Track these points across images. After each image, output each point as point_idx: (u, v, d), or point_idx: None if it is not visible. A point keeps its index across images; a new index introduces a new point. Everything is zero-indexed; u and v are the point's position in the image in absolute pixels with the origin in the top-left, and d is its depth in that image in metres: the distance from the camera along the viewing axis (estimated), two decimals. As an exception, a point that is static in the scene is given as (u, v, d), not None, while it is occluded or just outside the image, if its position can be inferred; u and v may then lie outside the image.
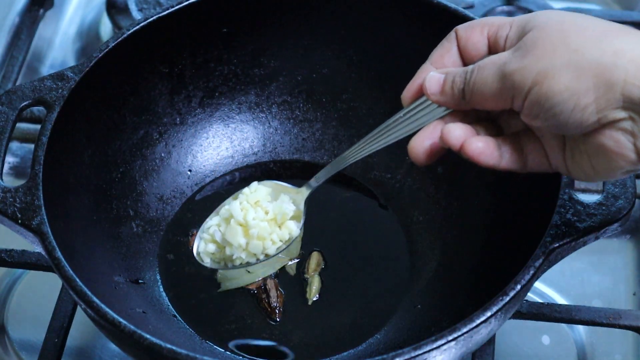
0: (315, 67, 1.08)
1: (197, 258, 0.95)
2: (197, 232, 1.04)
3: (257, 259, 0.93)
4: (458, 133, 0.77)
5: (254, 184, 0.95)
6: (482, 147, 0.77)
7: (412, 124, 0.81)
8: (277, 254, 0.94)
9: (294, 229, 0.94)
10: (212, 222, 0.95)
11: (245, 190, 0.95)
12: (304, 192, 0.94)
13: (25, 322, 1.04)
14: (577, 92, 0.70)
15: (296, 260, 1.02)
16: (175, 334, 0.95)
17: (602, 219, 0.85)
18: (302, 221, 0.94)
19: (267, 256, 0.93)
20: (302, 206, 0.93)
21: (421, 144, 0.79)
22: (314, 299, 0.99)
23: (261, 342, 0.97)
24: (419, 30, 1.01)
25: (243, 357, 0.95)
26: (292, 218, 0.94)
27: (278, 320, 0.98)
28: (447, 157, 1.04)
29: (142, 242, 1.02)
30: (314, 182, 0.92)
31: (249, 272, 1.01)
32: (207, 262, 0.94)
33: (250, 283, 1.00)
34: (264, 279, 1.00)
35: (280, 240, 0.93)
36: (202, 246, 0.94)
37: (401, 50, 1.04)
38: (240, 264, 0.93)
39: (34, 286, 1.06)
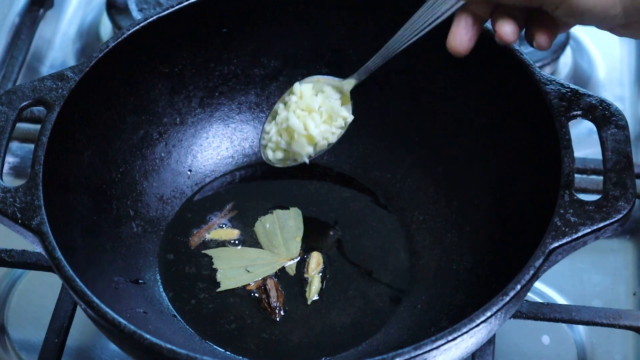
0: (315, 67, 1.08)
1: (267, 162, 1.04)
2: (198, 232, 1.04)
3: (322, 150, 1.03)
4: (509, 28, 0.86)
5: (296, 86, 1.01)
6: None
7: (436, 14, 0.89)
8: (338, 138, 1.02)
9: (347, 115, 1.01)
10: (272, 131, 1.03)
11: (293, 98, 1.01)
12: (349, 83, 1.00)
13: (25, 322, 1.04)
14: (605, 7, 0.78)
15: (296, 260, 1.02)
16: (175, 334, 0.95)
17: (602, 219, 0.85)
18: (351, 105, 1.01)
19: (330, 144, 1.02)
20: (347, 92, 1.00)
21: (460, 38, 0.87)
22: (314, 298, 0.99)
23: (261, 342, 0.97)
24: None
25: (243, 357, 0.95)
26: (342, 104, 1.01)
27: (278, 320, 0.98)
28: (447, 157, 1.05)
29: (142, 242, 1.02)
30: (355, 77, 0.99)
31: (248, 271, 1.01)
32: (278, 165, 1.04)
33: (249, 282, 1.00)
34: (264, 279, 1.00)
35: (340, 128, 1.02)
36: (271, 154, 1.03)
37: (401, 50, 1.04)
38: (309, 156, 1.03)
39: (34, 286, 1.06)
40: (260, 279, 1.00)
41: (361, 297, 1.00)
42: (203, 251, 1.03)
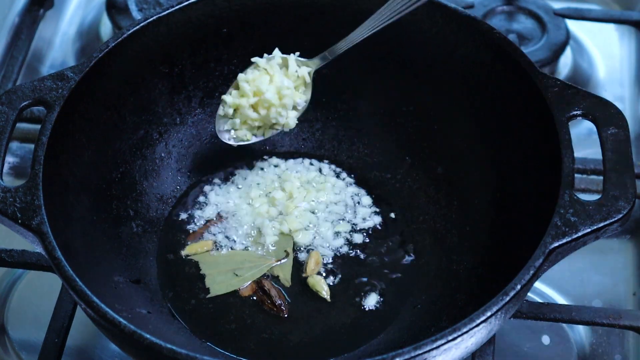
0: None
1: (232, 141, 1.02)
2: (194, 235, 1.03)
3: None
4: None
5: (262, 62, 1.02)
6: None
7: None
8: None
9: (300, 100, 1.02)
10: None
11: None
12: (314, 63, 1.01)
13: (25, 322, 1.04)
14: None
15: (284, 260, 1.01)
16: (175, 334, 0.95)
17: (602, 219, 0.85)
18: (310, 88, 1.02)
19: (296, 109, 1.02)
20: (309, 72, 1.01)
21: None
22: (328, 292, 0.99)
23: (261, 342, 0.96)
24: (419, 30, 1.01)
25: (243, 357, 0.95)
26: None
27: (287, 316, 0.98)
28: (447, 157, 1.05)
29: (142, 242, 1.02)
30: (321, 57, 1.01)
31: (236, 275, 1.00)
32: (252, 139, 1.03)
33: (239, 286, 1.00)
34: (259, 282, 1.00)
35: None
36: (243, 132, 1.02)
37: (401, 49, 1.04)
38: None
39: (34, 286, 1.06)
40: (251, 282, 1.00)
41: (362, 298, 0.99)
42: (189, 256, 1.02)
